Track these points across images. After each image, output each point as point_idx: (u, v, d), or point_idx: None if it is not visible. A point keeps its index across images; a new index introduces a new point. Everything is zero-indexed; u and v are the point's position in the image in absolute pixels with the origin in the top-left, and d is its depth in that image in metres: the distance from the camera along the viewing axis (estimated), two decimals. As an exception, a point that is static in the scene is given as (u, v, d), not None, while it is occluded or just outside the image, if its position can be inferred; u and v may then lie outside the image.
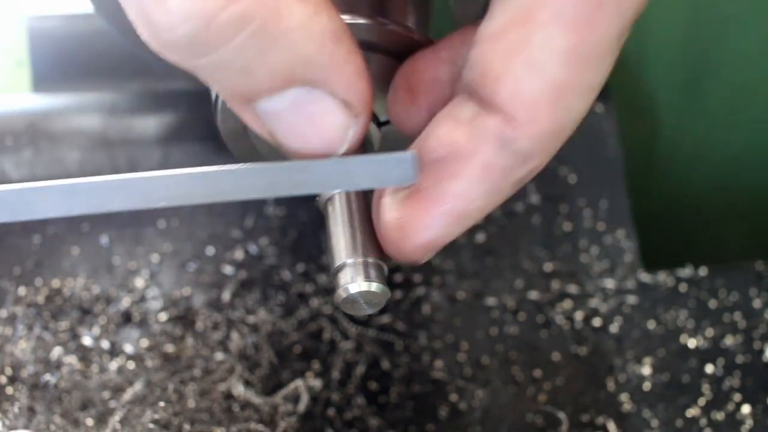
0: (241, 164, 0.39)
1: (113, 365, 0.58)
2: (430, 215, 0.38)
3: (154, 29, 0.33)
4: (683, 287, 0.63)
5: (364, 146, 0.47)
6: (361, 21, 0.45)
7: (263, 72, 0.34)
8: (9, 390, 0.56)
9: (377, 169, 0.38)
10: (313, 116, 0.36)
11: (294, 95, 0.35)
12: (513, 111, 0.37)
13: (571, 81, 0.36)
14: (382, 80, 0.47)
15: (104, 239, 0.62)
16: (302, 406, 0.57)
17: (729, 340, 0.61)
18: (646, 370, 0.59)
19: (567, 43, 0.36)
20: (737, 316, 0.61)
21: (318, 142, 0.37)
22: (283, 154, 0.51)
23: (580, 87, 0.36)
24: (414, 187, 0.39)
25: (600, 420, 0.57)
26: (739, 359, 0.60)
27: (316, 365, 0.58)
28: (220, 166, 0.38)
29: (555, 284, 0.62)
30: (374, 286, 0.41)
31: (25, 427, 0.55)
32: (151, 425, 0.55)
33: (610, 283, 0.63)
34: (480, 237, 0.64)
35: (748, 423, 0.58)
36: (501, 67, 0.37)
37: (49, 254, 0.62)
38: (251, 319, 0.60)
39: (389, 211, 0.40)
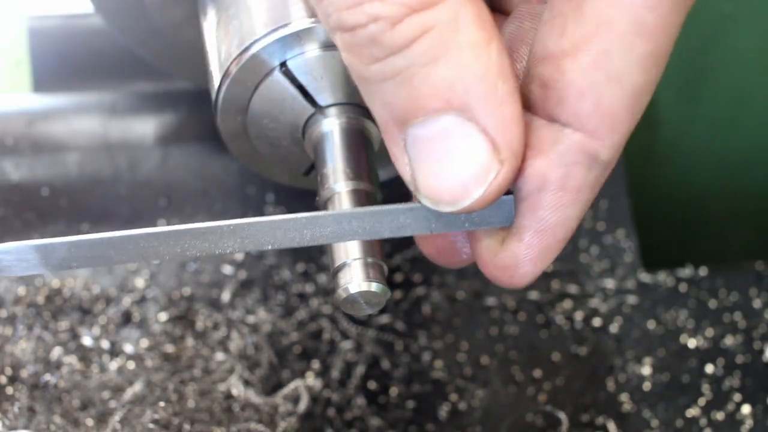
0: (348, 209, 0.40)
1: (113, 365, 0.58)
2: (536, 251, 0.38)
3: (341, 26, 0.34)
4: (683, 287, 0.63)
5: (364, 146, 0.47)
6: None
7: (428, 87, 0.34)
8: (9, 390, 0.57)
9: (477, 213, 0.38)
10: (459, 150, 0.35)
11: (447, 123, 0.35)
12: (595, 125, 0.36)
13: (648, 84, 0.36)
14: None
15: (104, 239, 0.62)
16: (302, 406, 0.57)
17: (729, 340, 0.61)
18: (646, 370, 0.59)
19: (646, 49, 0.35)
20: (737, 316, 0.61)
21: (453, 181, 0.36)
22: (283, 156, 0.51)
23: (653, 86, 0.37)
24: (513, 225, 0.39)
25: (600, 420, 0.57)
26: (739, 359, 0.60)
27: (316, 365, 0.58)
28: (327, 212, 0.40)
29: (555, 284, 0.62)
30: (374, 286, 0.41)
31: (25, 427, 0.55)
32: (151, 425, 0.55)
33: (610, 283, 0.63)
34: (480, 237, 0.64)
35: (748, 423, 0.58)
36: (584, 83, 0.36)
37: (49, 254, 0.62)
38: (251, 319, 0.60)
39: (493, 255, 0.40)
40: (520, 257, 0.39)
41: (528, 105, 0.38)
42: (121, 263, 0.39)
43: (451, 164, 0.35)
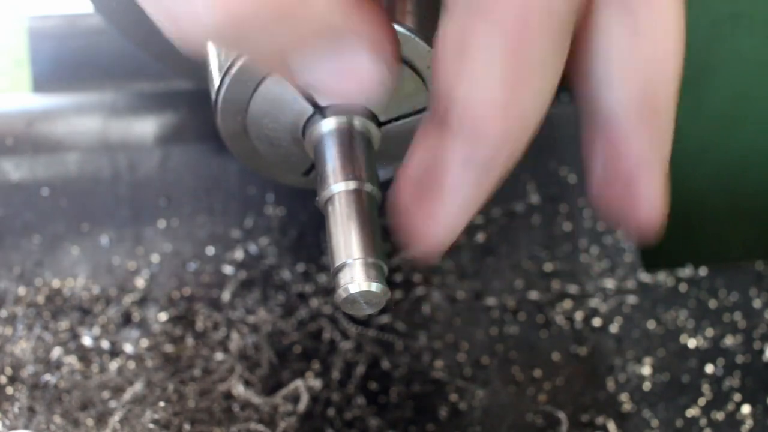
0: None
1: (113, 365, 0.58)
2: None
3: (179, 29, 0.36)
4: (683, 287, 0.63)
5: (364, 146, 0.47)
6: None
7: (292, 37, 0.37)
8: (9, 390, 0.56)
9: None
10: (348, 67, 0.38)
11: (326, 48, 0.37)
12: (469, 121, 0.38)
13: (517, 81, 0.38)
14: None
15: (104, 239, 0.62)
16: (302, 406, 0.57)
17: (729, 340, 0.61)
18: (646, 370, 0.59)
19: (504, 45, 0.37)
20: (737, 316, 0.61)
21: (357, 87, 0.39)
22: (284, 156, 0.51)
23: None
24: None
25: (600, 420, 0.57)
26: (739, 359, 0.60)
27: (316, 365, 0.58)
28: None
29: (555, 284, 0.62)
30: (374, 286, 0.41)
31: (25, 427, 0.55)
32: (151, 425, 0.55)
33: (610, 283, 0.63)
34: (480, 237, 0.64)
35: (748, 423, 0.58)
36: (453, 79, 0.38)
37: (49, 254, 0.62)
38: (251, 319, 0.60)
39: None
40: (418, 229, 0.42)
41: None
42: None
43: (347, 77, 0.39)
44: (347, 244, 0.43)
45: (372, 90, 0.39)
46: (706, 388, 0.59)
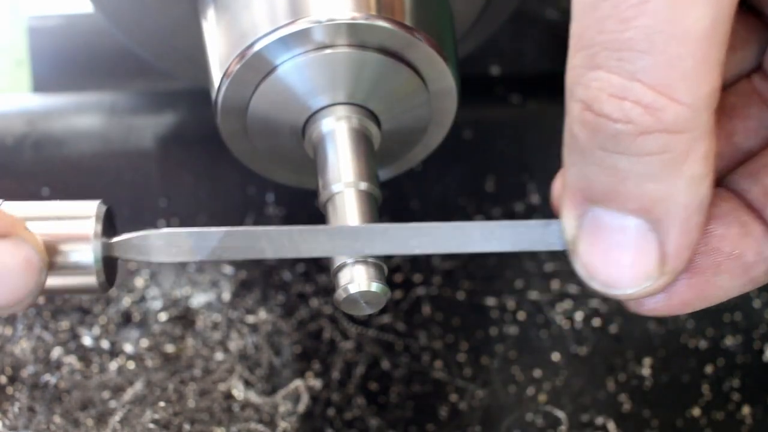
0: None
1: (113, 365, 0.58)
2: (689, 298, 0.41)
3: (591, 105, 0.35)
4: (683, 287, 0.63)
5: (364, 146, 0.47)
6: (364, 22, 0.45)
7: (635, 191, 0.36)
8: (9, 390, 0.56)
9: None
10: (632, 248, 0.37)
11: (633, 222, 0.37)
12: None
13: None
14: (381, 81, 0.47)
15: (104, 239, 0.62)
16: (302, 406, 0.57)
17: (729, 340, 0.61)
18: (646, 370, 0.59)
19: None
20: (737, 316, 0.61)
21: (615, 268, 0.38)
22: (284, 156, 0.51)
23: None
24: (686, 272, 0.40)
25: (600, 420, 0.57)
26: (739, 359, 0.60)
27: (316, 365, 0.58)
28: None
29: (555, 284, 0.62)
30: (374, 286, 0.41)
31: (25, 427, 0.55)
32: (151, 425, 0.55)
33: (610, 283, 0.62)
34: (480, 237, 0.64)
35: (748, 423, 0.58)
36: None
37: (49, 254, 0.61)
38: (251, 319, 0.60)
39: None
40: (674, 299, 0.41)
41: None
42: (271, 257, 0.40)
43: (619, 255, 0.38)
44: (347, 244, 0.43)
45: (628, 281, 0.38)
46: (706, 388, 0.59)
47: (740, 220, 0.40)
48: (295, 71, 0.46)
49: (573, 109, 0.35)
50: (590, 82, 0.34)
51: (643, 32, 0.33)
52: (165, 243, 0.41)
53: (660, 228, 0.37)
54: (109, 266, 0.42)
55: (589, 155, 0.36)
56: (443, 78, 0.48)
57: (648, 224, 0.36)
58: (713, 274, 0.40)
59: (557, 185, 0.42)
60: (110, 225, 0.43)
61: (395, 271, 0.62)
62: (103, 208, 0.43)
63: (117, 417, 0.55)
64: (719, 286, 0.41)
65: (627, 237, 0.37)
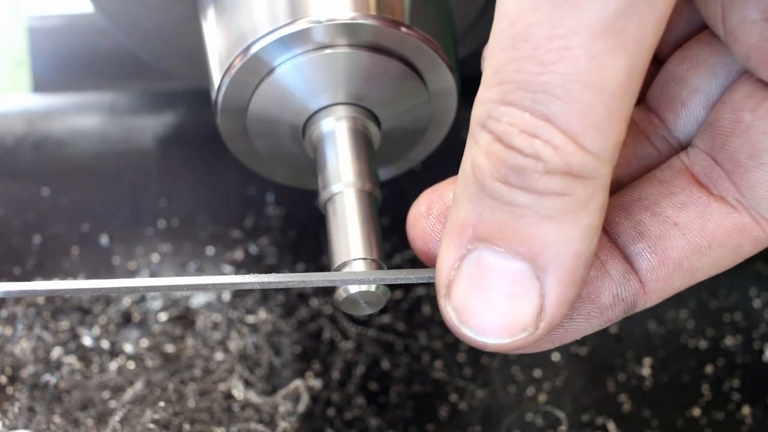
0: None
1: (113, 365, 0.58)
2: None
3: (501, 138, 0.35)
4: (683, 287, 0.63)
5: (364, 146, 0.47)
6: (364, 22, 0.45)
7: (528, 233, 0.35)
8: (9, 390, 0.57)
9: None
10: (511, 295, 0.36)
11: (518, 267, 0.36)
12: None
13: None
14: (382, 81, 0.47)
15: (104, 239, 0.62)
16: (302, 406, 0.57)
17: (729, 340, 0.61)
18: (646, 370, 0.59)
19: None
20: (737, 316, 0.61)
21: (491, 316, 0.37)
22: (284, 156, 0.51)
23: None
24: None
25: (600, 420, 0.57)
26: (739, 359, 0.60)
27: (316, 365, 0.58)
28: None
29: (555, 284, 0.62)
30: (374, 286, 0.42)
31: (25, 427, 0.55)
32: (151, 425, 0.55)
33: (610, 283, 0.63)
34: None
35: (748, 423, 0.58)
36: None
37: (49, 254, 0.62)
38: (251, 319, 0.60)
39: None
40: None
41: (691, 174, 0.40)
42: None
43: (498, 301, 0.37)
44: (347, 244, 0.43)
45: (517, 330, 0.38)
46: (706, 388, 0.59)
47: (599, 260, 0.39)
48: (294, 71, 0.46)
49: (480, 139, 0.35)
50: (502, 116, 0.34)
51: (560, 78, 0.33)
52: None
53: (544, 276, 0.36)
54: None
55: (488, 188, 0.35)
56: (443, 78, 0.48)
57: (532, 270, 0.36)
58: (567, 318, 0.39)
59: (418, 210, 0.42)
60: None
61: (395, 271, 0.62)
62: None
63: (117, 417, 0.55)
64: (571, 330, 0.40)
65: (508, 281, 0.36)
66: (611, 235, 0.39)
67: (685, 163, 0.40)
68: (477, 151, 0.35)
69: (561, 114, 0.33)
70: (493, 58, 0.34)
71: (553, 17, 0.33)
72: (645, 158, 0.42)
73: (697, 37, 0.41)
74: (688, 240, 0.38)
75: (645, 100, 0.42)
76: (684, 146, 0.41)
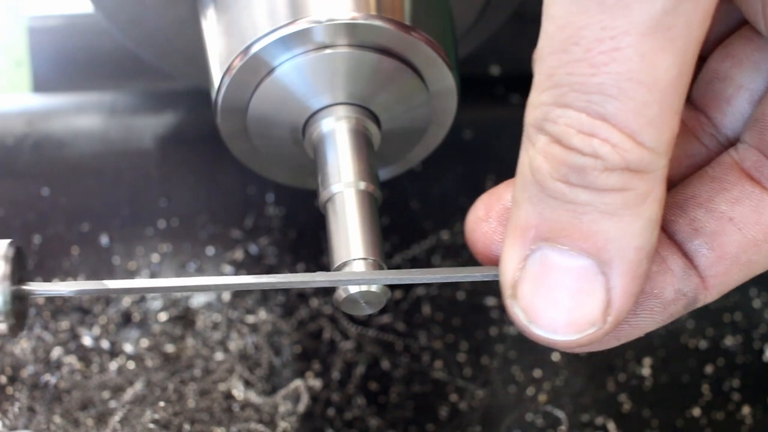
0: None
1: (113, 365, 0.58)
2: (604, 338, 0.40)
3: (560, 139, 0.35)
4: (683, 287, 0.63)
5: (364, 146, 0.47)
6: (364, 22, 0.45)
7: (590, 229, 0.36)
8: (9, 390, 0.57)
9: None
10: (577, 291, 0.37)
11: (582, 263, 0.37)
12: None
13: None
14: (382, 81, 0.47)
15: (104, 239, 0.62)
16: (302, 406, 0.57)
17: (729, 340, 0.61)
18: (646, 370, 0.59)
19: None
20: (737, 316, 0.61)
21: (558, 313, 0.37)
22: (284, 156, 0.51)
23: None
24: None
25: (600, 420, 0.57)
26: (739, 359, 0.60)
27: (316, 365, 0.58)
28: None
29: (555, 284, 0.62)
30: (374, 286, 0.41)
31: (25, 427, 0.55)
32: (151, 425, 0.55)
33: (610, 283, 0.62)
34: (480, 237, 0.64)
35: (748, 423, 0.58)
36: None
37: (49, 254, 0.62)
38: (251, 319, 0.60)
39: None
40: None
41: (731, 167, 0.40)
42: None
43: (564, 298, 0.37)
44: (347, 243, 0.43)
45: (583, 325, 0.38)
46: (706, 388, 0.59)
47: (659, 255, 0.39)
48: (295, 71, 0.46)
49: (537, 141, 0.36)
50: (558, 118, 0.35)
51: (613, 78, 0.34)
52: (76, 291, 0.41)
53: (609, 270, 0.36)
54: (20, 309, 0.40)
55: (549, 188, 0.36)
56: (443, 78, 0.48)
57: (597, 266, 0.36)
58: (632, 314, 0.39)
59: (477, 214, 0.42)
60: (20, 265, 0.40)
61: (395, 271, 0.62)
62: (12, 249, 0.40)
63: (117, 417, 0.55)
64: (635, 326, 0.40)
65: (574, 278, 0.37)
66: (668, 233, 0.40)
67: (735, 159, 0.40)
68: (534, 153, 0.36)
69: (617, 113, 0.34)
70: (544, 62, 0.35)
71: (602, 19, 0.34)
72: (694, 156, 0.42)
73: (737, 33, 0.42)
74: (744, 234, 0.39)
75: (690, 98, 0.43)
76: (732, 142, 0.41)
